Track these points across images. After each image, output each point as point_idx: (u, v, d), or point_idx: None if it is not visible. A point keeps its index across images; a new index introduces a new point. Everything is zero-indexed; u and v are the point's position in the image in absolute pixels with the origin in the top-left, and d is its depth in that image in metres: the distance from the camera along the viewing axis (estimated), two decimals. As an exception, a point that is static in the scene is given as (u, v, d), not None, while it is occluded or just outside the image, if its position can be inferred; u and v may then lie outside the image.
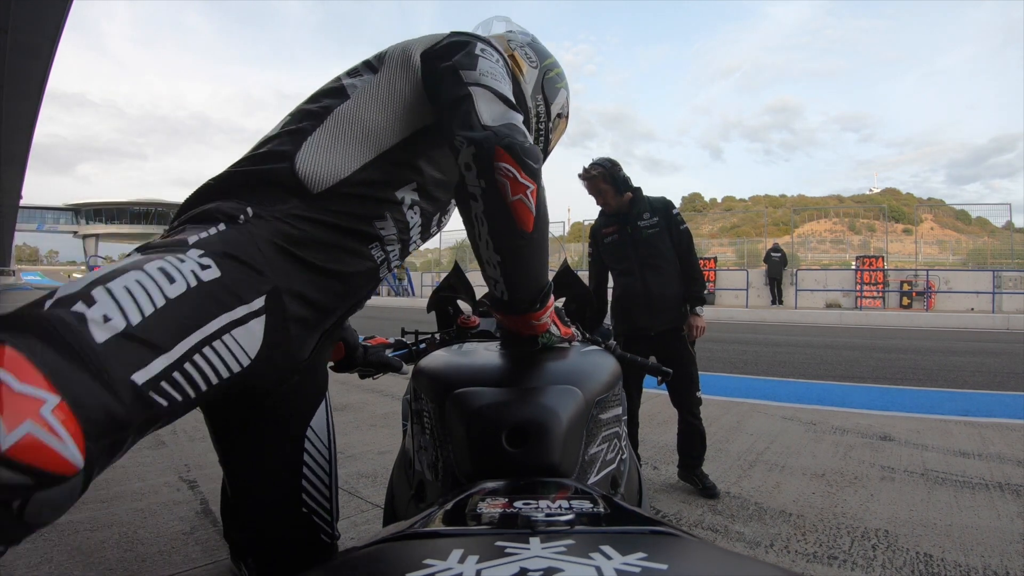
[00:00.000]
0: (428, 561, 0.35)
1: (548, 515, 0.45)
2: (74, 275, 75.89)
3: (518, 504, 0.48)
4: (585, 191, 2.79)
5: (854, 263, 15.70)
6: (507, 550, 0.36)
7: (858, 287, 14.70)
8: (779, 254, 14.98)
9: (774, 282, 14.86)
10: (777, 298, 14.94)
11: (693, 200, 34.62)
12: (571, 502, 0.49)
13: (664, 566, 0.34)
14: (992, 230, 24.81)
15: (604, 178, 2.72)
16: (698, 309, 2.74)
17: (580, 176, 2.78)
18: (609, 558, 0.35)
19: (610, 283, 2.94)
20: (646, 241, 2.71)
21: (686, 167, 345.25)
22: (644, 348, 2.68)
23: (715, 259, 17.97)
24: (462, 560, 0.35)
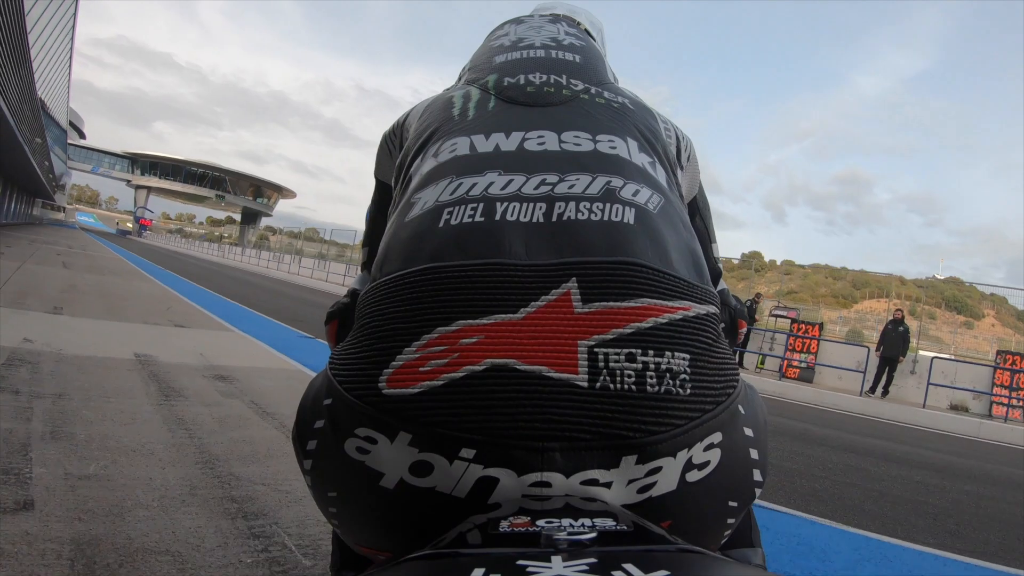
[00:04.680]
0: None
1: (570, 533, 0.43)
2: (127, 223, 77.41)
3: (540, 523, 0.47)
4: None
5: (994, 358, 12.94)
6: (529, 569, 0.36)
7: (997, 389, 11.74)
8: (902, 328, 11.73)
9: (887, 364, 11.66)
10: (884, 386, 11.62)
11: (752, 258, 33.01)
12: (594, 520, 0.47)
13: None
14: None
15: None
16: None
17: None
18: None
19: None
20: None
21: (748, 225, 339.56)
22: None
23: (821, 325, 14.00)
24: None
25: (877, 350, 11.85)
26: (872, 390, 11.63)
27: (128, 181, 69.48)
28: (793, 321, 14.25)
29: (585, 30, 1.07)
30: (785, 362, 13.03)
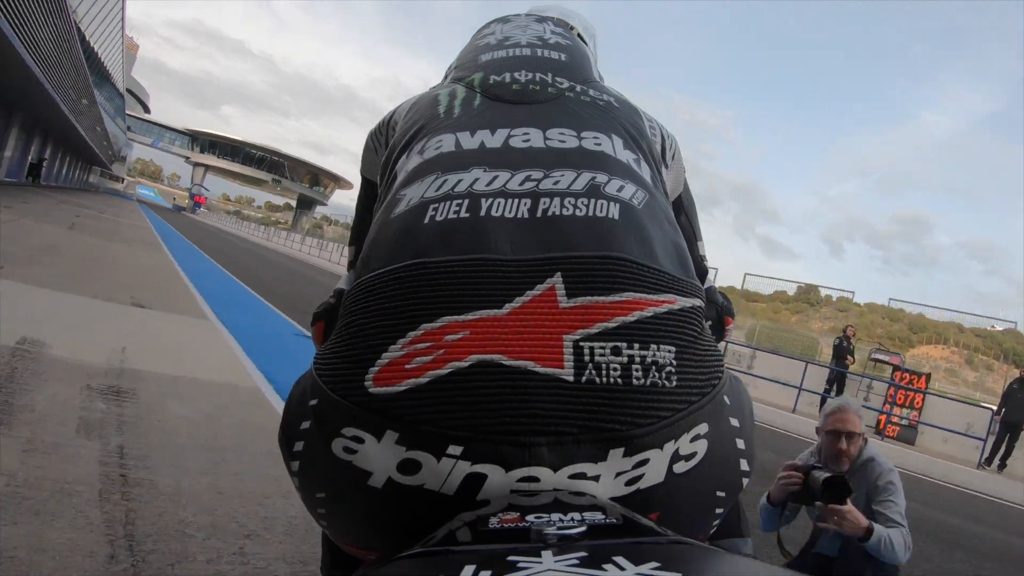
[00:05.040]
0: None
1: (560, 528, 0.44)
2: (183, 200, 79.58)
3: (530, 518, 0.47)
4: None
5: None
6: (519, 564, 0.36)
7: None
8: (1030, 389, 9.16)
9: (1009, 430, 9.44)
10: (1003, 457, 9.47)
11: (808, 291, 31.94)
12: (583, 514, 0.48)
13: (678, 575, 0.34)
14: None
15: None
16: None
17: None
18: (622, 569, 0.34)
19: None
20: None
21: (803, 257, 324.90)
22: None
23: (928, 376, 11.71)
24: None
25: (997, 413, 9.65)
26: (989, 461, 9.48)
27: (187, 158, 71.09)
28: (895, 369, 12.01)
29: (578, 35, 1.08)
30: (883, 417, 10.80)
